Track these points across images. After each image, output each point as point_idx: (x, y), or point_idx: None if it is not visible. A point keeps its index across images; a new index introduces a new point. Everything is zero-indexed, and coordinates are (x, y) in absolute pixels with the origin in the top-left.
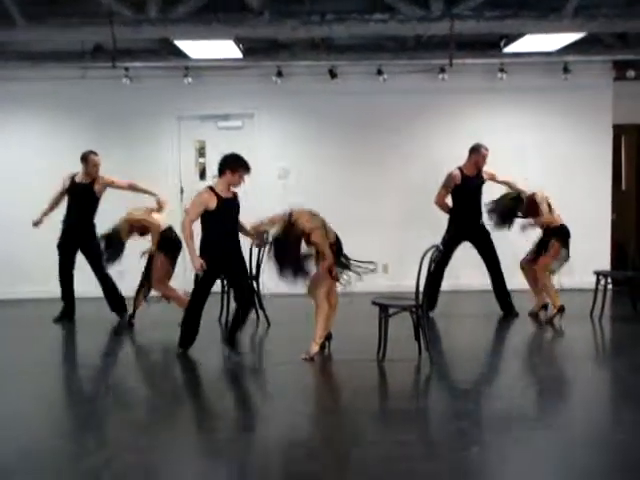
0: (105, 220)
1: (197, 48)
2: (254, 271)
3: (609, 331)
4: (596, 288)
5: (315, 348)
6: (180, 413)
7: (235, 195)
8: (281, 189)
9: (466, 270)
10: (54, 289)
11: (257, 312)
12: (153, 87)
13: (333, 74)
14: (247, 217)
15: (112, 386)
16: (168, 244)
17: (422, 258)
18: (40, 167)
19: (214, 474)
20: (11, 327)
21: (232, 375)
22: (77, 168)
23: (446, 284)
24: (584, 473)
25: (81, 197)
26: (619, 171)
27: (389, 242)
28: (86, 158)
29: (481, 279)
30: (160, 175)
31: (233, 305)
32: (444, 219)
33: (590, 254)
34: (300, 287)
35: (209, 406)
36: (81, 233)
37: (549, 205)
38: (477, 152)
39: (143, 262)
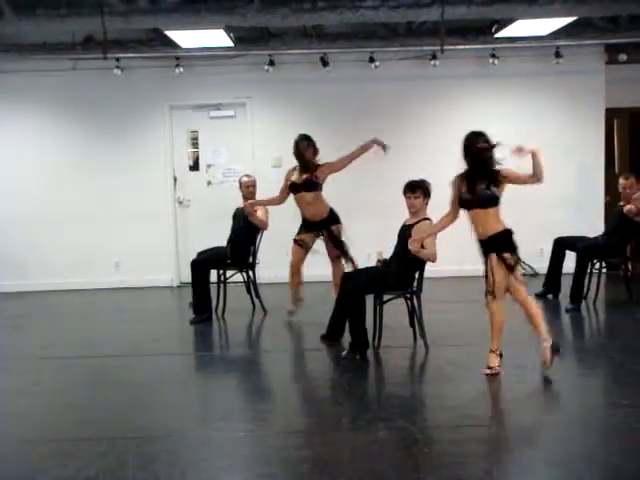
0: None
1: (188, 37)
2: (250, 259)
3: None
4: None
5: (495, 360)
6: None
7: None
8: (275, 178)
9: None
10: None
11: (253, 301)
12: (145, 77)
13: (325, 62)
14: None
15: None
16: None
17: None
18: (32, 159)
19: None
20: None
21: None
22: (69, 160)
23: (450, 269)
24: (580, 454)
25: None
26: (612, 154)
27: (383, 229)
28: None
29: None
30: (153, 165)
31: (231, 296)
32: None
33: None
34: None
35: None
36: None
37: None
38: None
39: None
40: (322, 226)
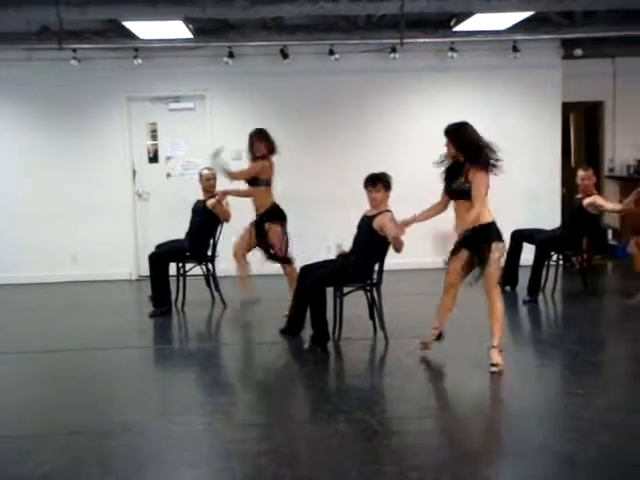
0: None
1: (146, 28)
2: (209, 252)
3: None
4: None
5: (498, 355)
6: None
7: None
8: (234, 170)
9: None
10: None
11: (212, 294)
12: (102, 68)
13: (285, 54)
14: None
15: None
16: None
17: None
18: None
19: None
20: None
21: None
22: (26, 153)
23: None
24: (536, 443)
25: None
26: (568, 147)
27: (343, 222)
28: None
29: None
30: (112, 157)
31: (191, 289)
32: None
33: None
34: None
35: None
36: None
37: None
38: None
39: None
40: (260, 220)
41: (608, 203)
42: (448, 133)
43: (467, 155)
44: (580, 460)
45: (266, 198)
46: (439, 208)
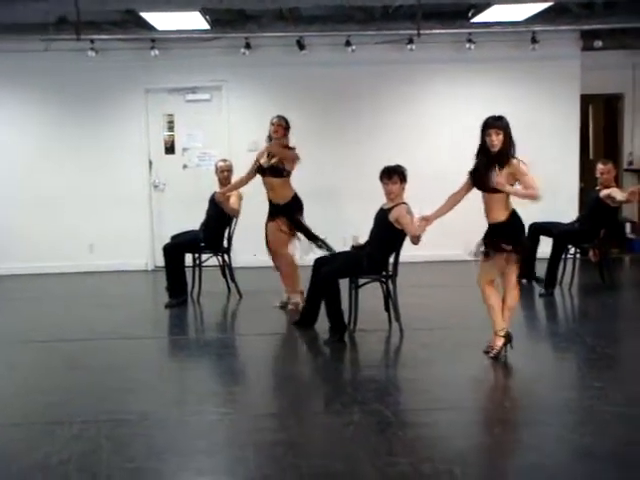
0: None
1: (163, 19)
2: (226, 244)
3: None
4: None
5: (500, 341)
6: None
7: None
8: (251, 162)
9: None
10: None
11: (228, 285)
12: (119, 60)
13: (301, 45)
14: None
15: None
16: None
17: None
18: (4, 142)
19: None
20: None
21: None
22: (43, 143)
23: (426, 254)
24: (553, 436)
25: None
26: (587, 141)
27: (360, 214)
28: None
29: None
30: (128, 148)
31: (207, 280)
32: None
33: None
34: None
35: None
36: None
37: None
38: None
39: None
40: (282, 211)
41: (619, 193)
42: (502, 125)
43: (509, 148)
44: (597, 452)
45: (289, 187)
46: (458, 197)
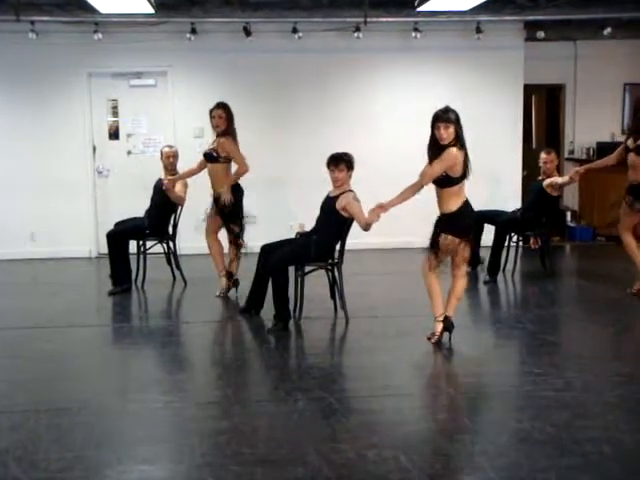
0: None
1: (106, 2)
2: (171, 231)
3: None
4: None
5: (439, 326)
6: None
7: None
8: (197, 148)
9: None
10: None
11: (173, 272)
12: (62, 43)
13: (247, 32)
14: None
15: None
16: None
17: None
18: None
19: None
20: None
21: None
22: None
23: (371, 242)
24: (493, 421)
25: None
26: (530, 130)
27: (303, 202)
28: None
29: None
30: (72, 134)
31: (151, 267)
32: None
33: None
34: None
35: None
36: None
37: None
38: None
39: None
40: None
41: (560, 179)
42: (455, 119)
43: (460, 142)
44: (535, 437)
45: (227, 175)
46: (415, 189)
